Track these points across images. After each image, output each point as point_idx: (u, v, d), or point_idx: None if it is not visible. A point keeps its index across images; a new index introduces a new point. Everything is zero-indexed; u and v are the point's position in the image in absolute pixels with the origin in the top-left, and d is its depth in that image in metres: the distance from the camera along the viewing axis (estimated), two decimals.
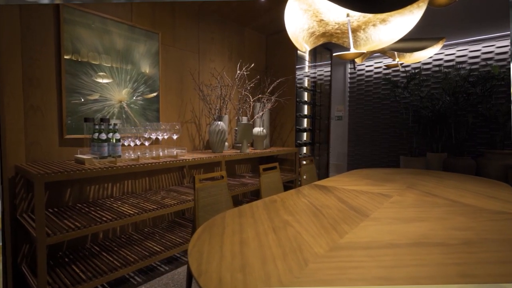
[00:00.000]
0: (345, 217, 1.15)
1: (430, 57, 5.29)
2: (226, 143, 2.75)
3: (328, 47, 4.23)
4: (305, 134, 4.26)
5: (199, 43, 2.85)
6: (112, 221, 1.70)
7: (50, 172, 1.45)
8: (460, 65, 4.67)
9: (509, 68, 4.36)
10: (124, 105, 2.26)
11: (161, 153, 2.12)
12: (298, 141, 3.61)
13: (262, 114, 2.93)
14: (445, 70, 4.78)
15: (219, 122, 2.59)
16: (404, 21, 1.12)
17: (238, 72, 2.75)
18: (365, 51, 1.27)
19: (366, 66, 6.01)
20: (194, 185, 1.54)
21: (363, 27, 1.25)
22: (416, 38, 1.70)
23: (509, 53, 4.11)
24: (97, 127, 1.86)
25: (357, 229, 1.01)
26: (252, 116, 2.97)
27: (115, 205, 2.01)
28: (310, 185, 1.80)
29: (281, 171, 3.69)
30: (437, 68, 5.04)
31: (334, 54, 1.34)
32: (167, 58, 2.56)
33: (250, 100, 2.79)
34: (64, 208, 1.91)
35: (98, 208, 1.93)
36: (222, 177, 1.73)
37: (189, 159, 2.13)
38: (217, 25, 3.03)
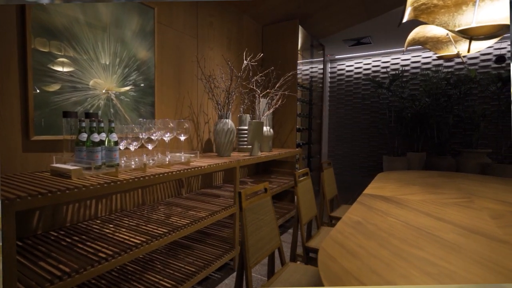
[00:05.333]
0: (485, 246, 0.86)
1: (408, 59, 5.43)
2: None
3: (321, 42, 4.01)
4: (297, 134, 3.98)
5: (198, 27, 2.39)
6: (115, 258, 1.20)
7: (25, 196, 0.92)
8: (440, 67, 4.82)
9: (482, 72, 4.60)
10: (113, 96, 1.73)
11: (167, 159, 1.65)
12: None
13: (269, 112, 2.57)
14: (426, 72, 4.90)
15: (227, 120, 2.17)
16: None
17: (245, 62, 2.35)
18: (506, 23, 1.00)
19: (347, 66, 5.99)
20: (241, 204, 1.13)
21: None
22: None
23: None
24: (84, 124, 1.33)
25: None
26: (256, 114, 2.59)
27: (106, 230, 1.49)
28: (366, 196, 1.50)
29: (280, 174, 3.36)
30: (417, 70, 5.17)
31: (458, 29, 1.06)
32: (163, 40, 2.06)
33: (260, 96, 2.41)
34: (33, 239, 1.34)
35: (83, 236, 1.39)
36: (266, 190, 1.34)
37: (204, 166, 1.69)
38: (216, 8, 2.60)
